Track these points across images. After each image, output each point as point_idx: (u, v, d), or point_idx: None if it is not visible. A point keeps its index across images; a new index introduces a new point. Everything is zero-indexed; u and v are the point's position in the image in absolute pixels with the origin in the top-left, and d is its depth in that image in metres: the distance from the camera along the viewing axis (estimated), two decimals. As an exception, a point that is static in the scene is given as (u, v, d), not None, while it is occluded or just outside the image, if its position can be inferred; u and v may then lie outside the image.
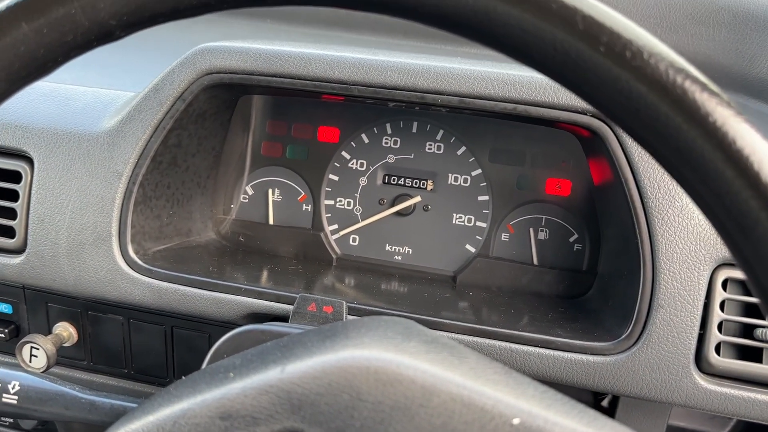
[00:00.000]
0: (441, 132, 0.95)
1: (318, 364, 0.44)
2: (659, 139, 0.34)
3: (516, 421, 0.41)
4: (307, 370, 0.44)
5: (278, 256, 0.99)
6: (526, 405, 0.42)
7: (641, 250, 0.72)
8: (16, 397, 0.63)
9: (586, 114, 0.73)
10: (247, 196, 1.03)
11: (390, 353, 0.45)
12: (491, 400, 0.42)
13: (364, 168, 0.98)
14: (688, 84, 0.31)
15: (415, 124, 0.96)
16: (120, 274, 0.81)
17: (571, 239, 0.92)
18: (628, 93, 0.33)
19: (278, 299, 0.79)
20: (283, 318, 0.77)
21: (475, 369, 0.45)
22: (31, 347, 0.85)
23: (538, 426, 0.41)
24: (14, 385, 0.63)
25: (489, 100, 0.74)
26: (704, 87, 0.31)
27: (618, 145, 0.73)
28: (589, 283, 0.89)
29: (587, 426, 0.41)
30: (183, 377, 0.53)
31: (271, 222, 1.02)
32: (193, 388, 0.47)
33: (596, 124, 0.73)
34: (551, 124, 0.84)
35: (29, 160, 0.84)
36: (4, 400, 0.63)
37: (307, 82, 0.78)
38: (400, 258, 0.98)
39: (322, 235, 0.99)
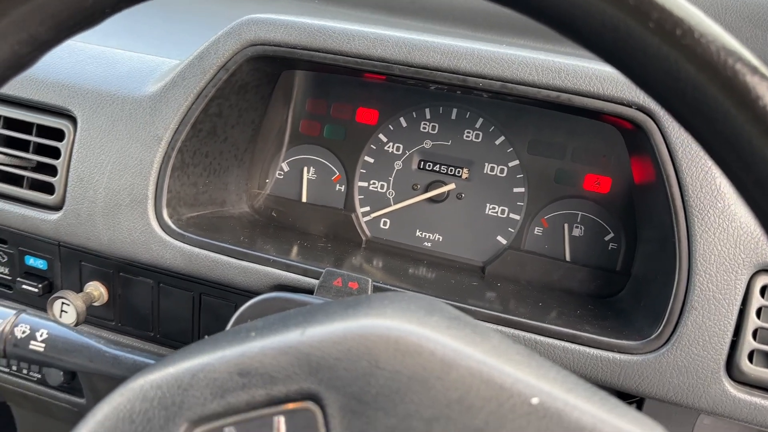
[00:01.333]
0: (480, 120, 0.94)
1: (339, 329, 0.44)
2: (705, 123, 0.33)
3: (535, 400, 0.40)
4: (328, 335, 0.44)
5: (309, 233, 0.99)
6: (547, 386, 0.41)
7: (678, 250, 0.70)
8: (43, 345, 0.64)
9: (631, 107, 0.71)
10: (282, 173, 1.03)
11: (411, 325, 0.44)
12: (511, 379, 0.41)
13: (400, 152, 0.98)
14: (739, 66, 0.30)
15: (454, 111, 0.95)
16: (153, 236, 0.82)
17: (607, 238, 0.90)
18: (676, 73, 0.32)
19: (305, 273, 0.79)
20: (308, 291, 0.77)
21: (497, 348, 0.44)
22: (62, 303, 0.87)
23: (557, 408, 0.40)
24: (42, 333, 0.64)
25: (532, 86, 0.73)
26: (755, 70, 0.30)
27: (662, 140, 0.71)
28: (621, 284, 0.87)
29: (608, 412, 0.40)
30: (206, 337, 0.53)
31: (304, 200, 1.02)
32: (214, 346, 0.47)
33: (641, 117, 0.71)
34: (594, 116, 0.82)
35: (73, 119, 0.86)
36: (31, 346, 0.64)
37: (349, 58, 0.78)
38: (429, 245, 0.98)
39: (353, 216, 0.99)
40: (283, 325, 0.47)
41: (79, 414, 1.22)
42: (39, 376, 1.16)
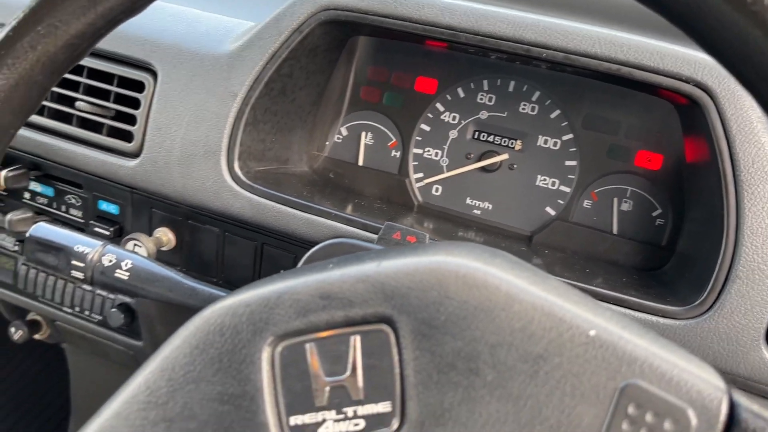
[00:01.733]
0: (537, 93, 0.97)
1: (411, 263, 0.49)
2: (770, 87, 0.36)
3: (592, 332, 0.44)
4: (401, 267, 0.48)
5: (363, 195, 1.04)
6: (604, 323, 0.45)
7: (726, 222, 0.72)
8: (127, 274, 0.70)
9: (689, 83, 0.74)
10: (341, 137, 1.08)
11: (478, 263, 0.49)
12: (570, 314, 0.45)
13: (456, 121, 1.01)
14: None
15: (512, 84, 0.98)
16: (224, 186, 0.88)
17: (654, 213, 0.93)
18: (744, 37, 0.35)
19: (364, 227, 0.84)
20: (368, 244, 0.82)
21: (557, 288, 0.48)
22: (135, 244, 0.93)
23: (612, 341, 0.44)
24: (127, 263, 0.70)
25: (594, 59, 0.76)
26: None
27: (718, 117, 0.73)
28: (666, 258, 0.90)
29: (660, 348, 0.44)
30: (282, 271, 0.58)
31: (360, 163, 1.07)
32: (296, 274, 0.52)
33: (698, 93, 0.74)
34: (651, 91, 0.85)
35: (153, 73, 0.92)
36: (116, 274, 0.70)
37: (418, 25, 0.82)
38: (479, 212, 1.01)
39: (407, 181, 1.03)
40: (359, 260, 0.52)
41: (135, 357, 1.29)
42: (100, 317, 1.23)
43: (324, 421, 0.47)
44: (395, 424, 0.46)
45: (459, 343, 0.46)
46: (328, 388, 0.47)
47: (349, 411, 0.47)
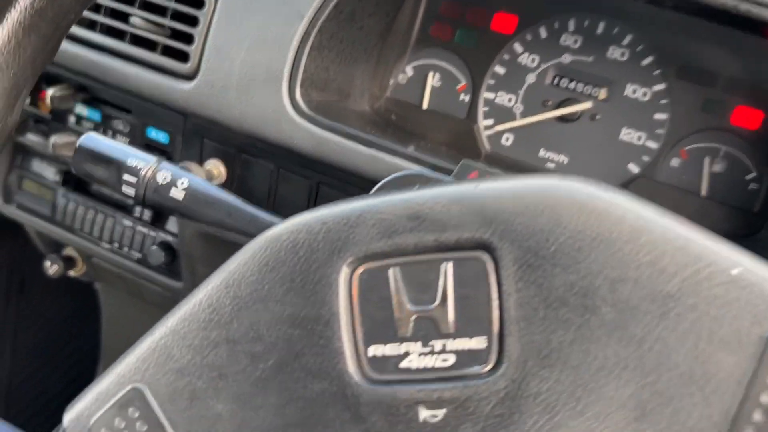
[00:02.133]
0: (629, 37, 0.88)
1: (518, 186, 0.42)
2: None
3: (735, 271, 0.38)
4: (504, 190, 0.42)
5: (426, 139, 0.97)
6: (747, 262, 0.39)
7: None
8: (183, 193, 0.64)
9: (819, 22, 0.65)
10: (405, 77, 1.00)
11: (598, 191, 0.42)
12: (708, 250, 0.39)
13: (534, 64, 0.93)
14: None
15: (601, 25, 0.89)
16: (285, 116, 0.82)
17: (748, 177, 0.84)
18: None
19: (435, 168, 0.77)
20: (437, 185, 0.75)
21: (689, 224, 0.42)
22: (186, 173, 0.88)
23: (759, 282, 0.37)
24: (183, 182, 0.64)
25: (710, -9, 0.68)
26: None
27: None
28: (759, 226, 0.82)
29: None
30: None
31: (425, 107, 0.99)
32: (377, 194, 0.46)
33: (829, 35, 0.65)
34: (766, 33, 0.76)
35: (215, -12, 0.86)
36: (171, 194, 0.65)
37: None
38: (553, 166, 0.94)
39: (475, 127, 0.96)
40: (452, 182, 0.46)
41: (172, 299, 1.26)
42: (139, 255, 1.19)
43: (407, 354, 0.41)
44: (491, 361, 0.40)
45: (572, 277, 0.39)
46: (413, 318, 0.41)
47: (437, 345, 0.41)
